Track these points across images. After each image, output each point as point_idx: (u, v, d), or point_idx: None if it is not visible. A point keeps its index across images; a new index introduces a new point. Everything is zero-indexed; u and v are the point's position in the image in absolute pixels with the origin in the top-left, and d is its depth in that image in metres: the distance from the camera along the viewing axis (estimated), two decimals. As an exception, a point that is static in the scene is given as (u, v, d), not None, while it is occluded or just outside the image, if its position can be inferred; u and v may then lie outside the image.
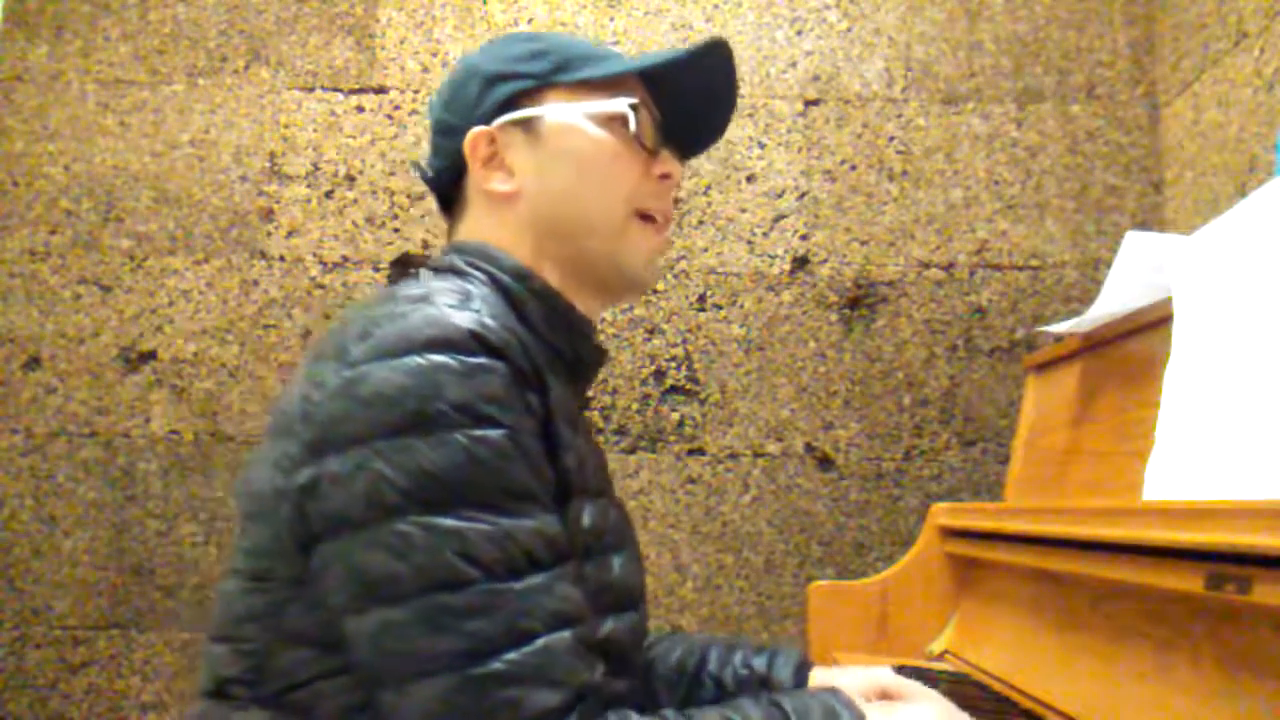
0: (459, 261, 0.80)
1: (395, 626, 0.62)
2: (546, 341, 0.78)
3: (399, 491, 0.62)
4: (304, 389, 0.69)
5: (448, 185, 0.87)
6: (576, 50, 0.83)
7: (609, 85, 0.82)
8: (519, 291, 0.78)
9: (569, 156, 0.81)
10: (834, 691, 0.74)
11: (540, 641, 0.62)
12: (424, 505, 0.62)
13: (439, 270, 0.80)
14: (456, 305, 0.69)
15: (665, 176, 0.84)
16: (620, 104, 0.81)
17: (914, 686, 0.82)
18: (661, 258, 0.88)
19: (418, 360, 0.65)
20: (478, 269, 0.78)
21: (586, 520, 0.75)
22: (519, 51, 0.83)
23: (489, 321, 0.68)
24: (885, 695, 0.81)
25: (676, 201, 1.86)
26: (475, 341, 0.66)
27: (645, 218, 0.84)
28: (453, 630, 0.61)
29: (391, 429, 0.63)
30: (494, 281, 0.78)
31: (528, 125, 0.81)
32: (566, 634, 0.64)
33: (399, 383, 0.64)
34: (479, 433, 0.64)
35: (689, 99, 0.87)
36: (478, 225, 0.84)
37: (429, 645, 0.61)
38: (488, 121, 0.82)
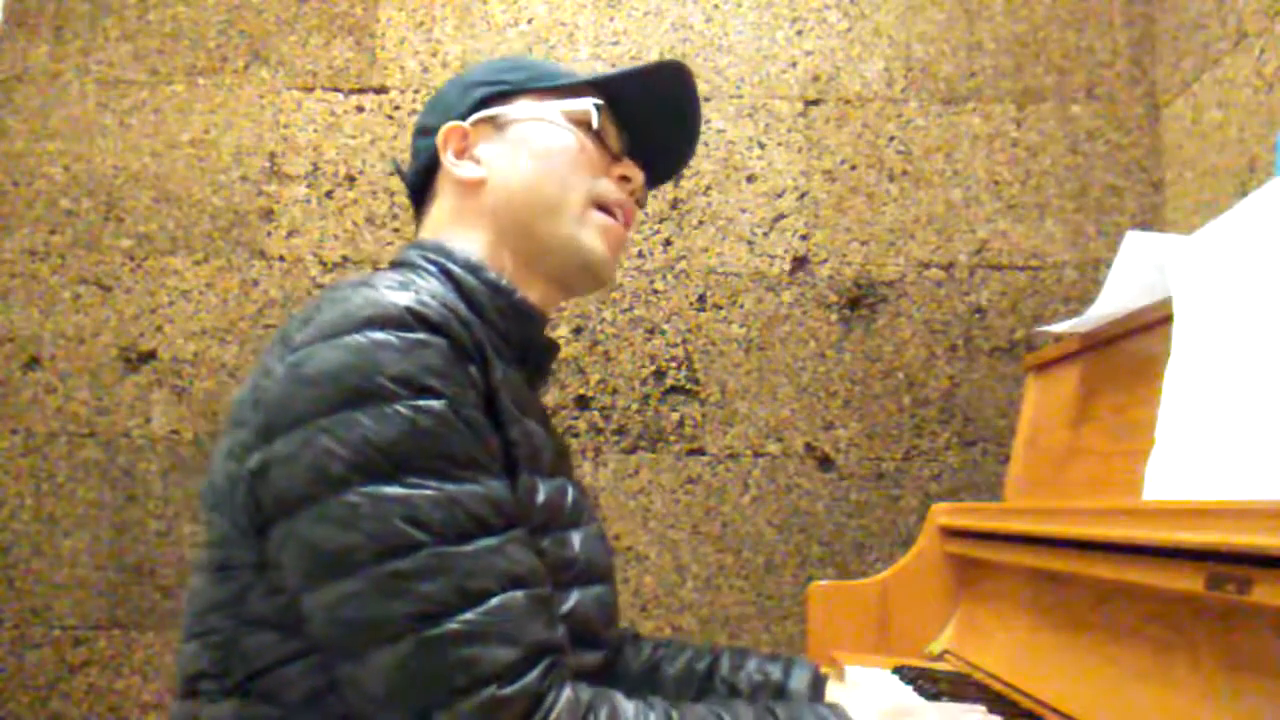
0: (414, 256, 0.83)
1: (350, 598, 0.62)
2: (495, 328, 0.80)
3: (344, 464, 0.63)
4: (256, 379, 0.71)
5: (422, 185, 0.91)
6: (551, 69, 0.91)
7: (576, 92, 0.88)
8: (470, 282, 0.80)
9: (534, 147, 0.86)
10: (835, 709, 0.73)
11: (494, 601, 0.63)
12: (369, 476, 0.63)
13: (395, 265, 0.83)
14: (395, 287, 0.70)
15: (625, 179, 0.89)
16: (585, 103, 0.87)
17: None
18: (621, 253, 0.92)
19: (357, 338, 0.66)
20: (431, 262, 0.81)
21: (541, 496, 0.76)
22: (499, 65, 0.91)
23: (427, 299, 0.70)
24: None
25: (683, 207, 1.86)
26: (413, 318, 0.68)
27: (605, 210, 0.87)
28: (405, 595, 0.61)
29: (334, 405, 0.64)
30: (445, 273, 0.80)
31: (498, 121, 0.87)
32: (519, 594, 0.64)
33: (340, 360, 0.65)
34: (420, 403, 0.65)
35: (651, 122, 0.92)
36: (442, 213, 0.87)
37: (383, 612, 0.61)
38: (463, 119, 0.87)
